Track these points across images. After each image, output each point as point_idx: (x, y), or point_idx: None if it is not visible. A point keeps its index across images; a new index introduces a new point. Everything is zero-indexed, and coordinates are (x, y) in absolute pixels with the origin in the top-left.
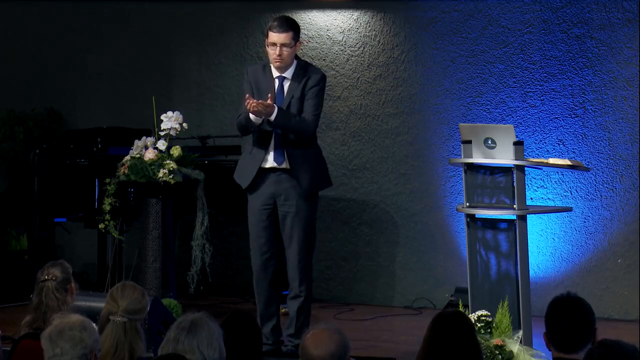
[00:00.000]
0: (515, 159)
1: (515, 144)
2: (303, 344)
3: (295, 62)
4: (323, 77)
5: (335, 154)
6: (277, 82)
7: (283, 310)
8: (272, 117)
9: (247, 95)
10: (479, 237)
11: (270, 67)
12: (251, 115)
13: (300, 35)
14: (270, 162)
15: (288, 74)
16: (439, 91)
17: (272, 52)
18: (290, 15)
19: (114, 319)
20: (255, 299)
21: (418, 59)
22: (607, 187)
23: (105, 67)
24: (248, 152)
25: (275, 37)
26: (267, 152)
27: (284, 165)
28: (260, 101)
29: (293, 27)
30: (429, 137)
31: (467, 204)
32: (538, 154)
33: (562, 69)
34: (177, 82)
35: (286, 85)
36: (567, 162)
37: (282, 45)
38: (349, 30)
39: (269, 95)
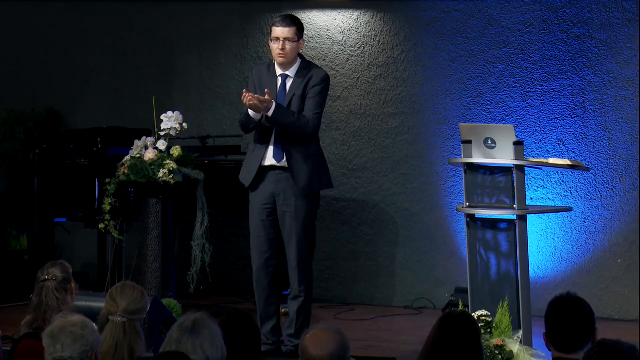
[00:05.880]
0: (515, 159)
1: (515, 144)
2: (303, 344)
3: (299, 60)
4: (326, 77)
5: (335, 154)
6: (279, 80)
7: (283, 310)
8: (270, 113)
9: (244, 89)
10: (479, 237)
11: (274, 65)
12: (250, 111)
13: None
14: (269, 159)
15: (291, 72)
16: (439, 91)
17: (276, 47)
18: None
19: (113, 319)
20: (255, 299)
21: (418, 59)
22: (607, 187)
23: (106, 67)
24: (251, 151)
25: (278, 31)
26: (267, 150)
27: (283, 164)
28: (256, 95)
29: (296, 23)
30: (429, 137)
31: (467, 204)
32: (538, 154)
33: (562, 69)
34: (177, 82)
35: (289, 83)
36: (567, 162)
37: (285, 39)
38: (349, 30)
39: (266, 90)
